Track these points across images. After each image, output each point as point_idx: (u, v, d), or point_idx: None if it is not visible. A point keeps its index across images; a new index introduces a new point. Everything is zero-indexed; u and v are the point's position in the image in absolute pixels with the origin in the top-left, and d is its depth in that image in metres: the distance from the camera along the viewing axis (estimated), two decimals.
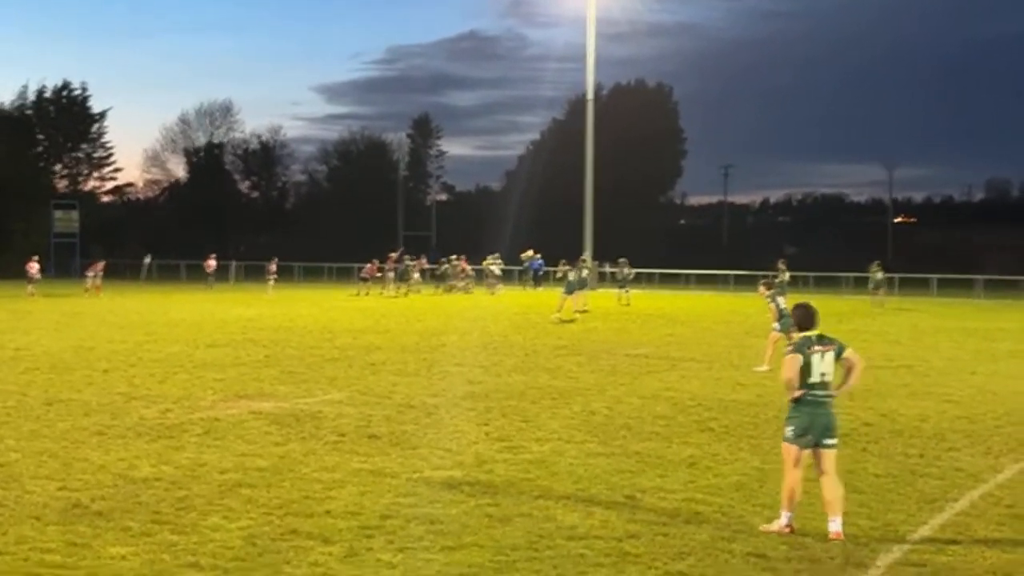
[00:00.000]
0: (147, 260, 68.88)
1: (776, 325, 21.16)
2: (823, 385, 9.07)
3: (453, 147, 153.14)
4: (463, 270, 57.35)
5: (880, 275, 47.01)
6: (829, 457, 9.09)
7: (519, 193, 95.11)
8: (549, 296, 45.96)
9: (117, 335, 27.01)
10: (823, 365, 9.05)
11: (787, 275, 42.46)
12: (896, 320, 37.15)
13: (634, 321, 35.12)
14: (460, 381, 18.71)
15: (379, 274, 54.88)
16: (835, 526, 8.80)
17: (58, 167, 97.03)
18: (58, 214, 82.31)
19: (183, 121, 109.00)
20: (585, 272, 40.70)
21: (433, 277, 58.67)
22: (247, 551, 8.20)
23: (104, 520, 9.00)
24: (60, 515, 9.15)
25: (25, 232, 79.85)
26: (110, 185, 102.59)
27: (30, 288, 46.35)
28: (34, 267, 48.15)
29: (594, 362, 22.08)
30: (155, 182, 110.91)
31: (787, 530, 8.91)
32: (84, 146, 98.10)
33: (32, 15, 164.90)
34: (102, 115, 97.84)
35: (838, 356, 9.19)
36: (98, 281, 49.17)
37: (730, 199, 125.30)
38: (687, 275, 66.77)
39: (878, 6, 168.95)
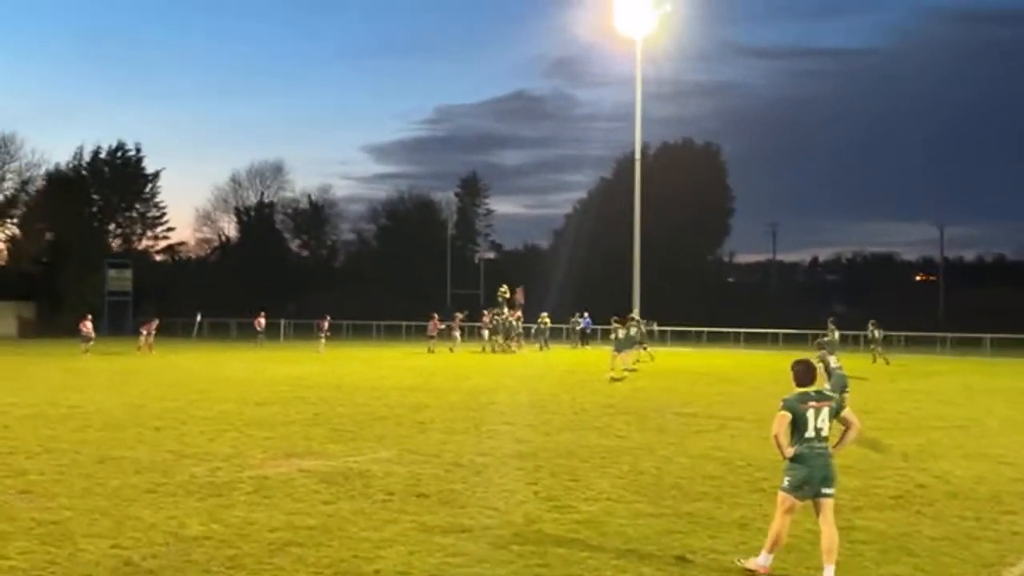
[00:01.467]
0: (198, 318, 69.53)
1: (826, 385, 21.02)
2: (820, 438, 9.39)
3: (501, 206, 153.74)
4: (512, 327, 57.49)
5: (877, 332, 47.76)
6: (827, 506, 9.42)
7: (567, 251, 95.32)
8: (596, 355, 45.86)
9: (168, 393, 27.24)
10: (818, 420, 9.36)
11: (836, 334, 42.14)
12: (949, 380, 36.68)
13: (682, 379, 34.94)
14: (509, 440, 18.66)
15: (443, 328, 55.60)
16: (829, 573, 9.18)
17: (112, 226, 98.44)
18: (112, 273, 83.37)
19: (234, 180, 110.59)
20: (634, 330, 40.60)
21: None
22: None
23: None
24: (112, 573, 9.21)
25: (80, 291, 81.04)
26: (163, 244, 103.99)
27: (84, 347, 46.88)
28: (88, 326, 48.74)
29: (643, 421, 21.97)
30: (206, 241, 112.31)
31: (763, 571, 9.37)
32: (138, 206, 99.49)
33: (87, 78, 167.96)
34: (155, 175, 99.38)
35: (836, 414, 9.52)
36: (151, 339, 49.72)
37: (779, 257, 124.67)
38: (736, 333, 66.39)
39: (921, 62, 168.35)
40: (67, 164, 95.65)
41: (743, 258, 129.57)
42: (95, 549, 10.08)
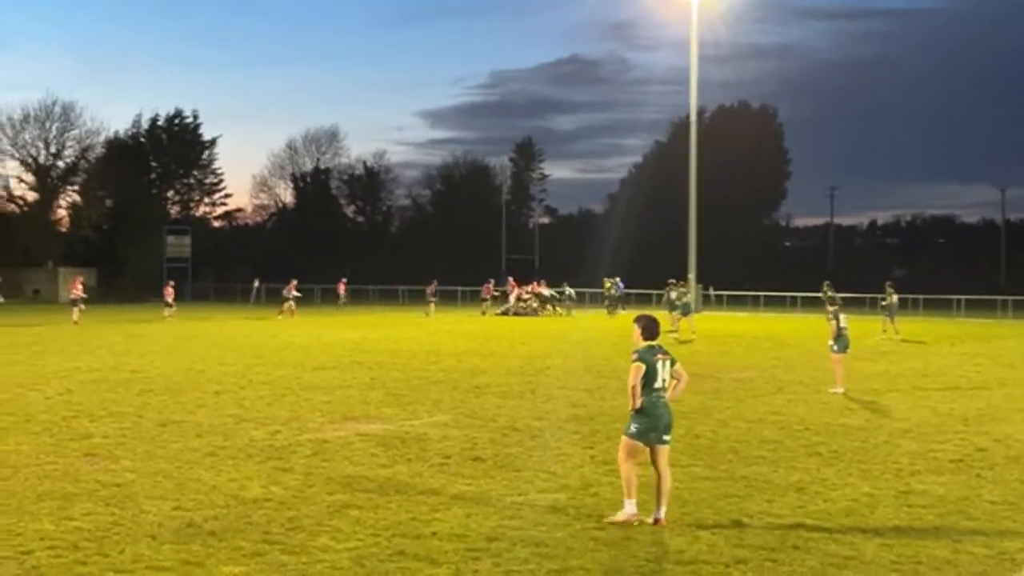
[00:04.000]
0: (256, 284, 70.21)
1: (832, 344, 21.25)
2: (664, 389, 10.07)
3: (555, 170, 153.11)
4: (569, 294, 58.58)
5: (895, 297, 40.97)
6: (665, 452, 10.15)
7: (622, 215, 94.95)
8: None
9: (227, 358, 27.56)
10: (664, 372, 10.04)
11: (895, 297, 41.49)
12: (1010, 344, 36.20)
13: (739, 344, 34.77)
14: (564, 404, 18.70)
15: (498, 293, 57.47)
16: (660, 514, 9.85)
17: (170, 193, 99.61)
18: (171, 239, 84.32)
19: (290, 147, 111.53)
20: (675, 294, 40.68)
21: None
22: (356, 572, 8.29)
23: (217, 540, 9.18)
24: (174, 534, 9.36)
25: (139, 257, 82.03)
26: (220, 210, 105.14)
27: (167, 312, 47.85)
28: (170, 292, 49.75)
29: (698, 385, 21.86)
30: (263, 207, 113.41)
31: (634, 519, 9.78)
32: (195, 172, 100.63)
33: (145, 47, 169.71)
34: (213, 142, 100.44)
35: (671, 366, 10.14)
36: (292, 305, 51.14)
37: (836, 221, 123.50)
38: (792, 297, 65.84)
39: (983, 22, 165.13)
40: (126, 131, 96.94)
41: (800, 222, 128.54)
42: (158, 511, 10.24)
